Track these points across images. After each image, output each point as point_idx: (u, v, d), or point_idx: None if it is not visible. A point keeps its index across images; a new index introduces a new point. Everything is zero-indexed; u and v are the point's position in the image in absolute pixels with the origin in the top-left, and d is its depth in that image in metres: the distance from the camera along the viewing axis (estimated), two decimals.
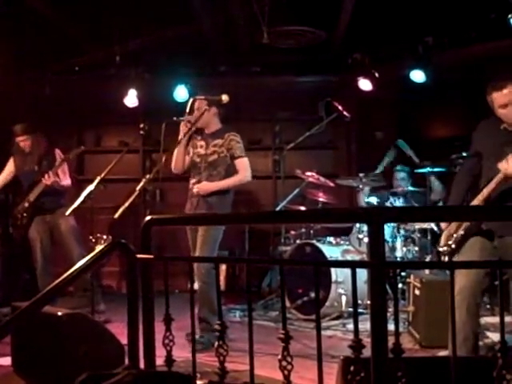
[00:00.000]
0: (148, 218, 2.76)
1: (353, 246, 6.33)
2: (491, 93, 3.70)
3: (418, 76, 7.39)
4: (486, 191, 3.62)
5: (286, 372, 2.12)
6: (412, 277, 5.27)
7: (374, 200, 6.55)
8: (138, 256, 2.71)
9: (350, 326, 5.52)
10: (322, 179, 6.74)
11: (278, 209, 6.70)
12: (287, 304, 5.98)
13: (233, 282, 7.62)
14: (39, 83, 8.19)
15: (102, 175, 5.67)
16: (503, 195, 3.58)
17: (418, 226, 6.12)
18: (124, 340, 2.93)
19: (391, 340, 1.92)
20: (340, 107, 6.98)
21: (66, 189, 6.19)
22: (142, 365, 2.73)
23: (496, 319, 5.06)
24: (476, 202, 3.65)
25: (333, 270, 5.94)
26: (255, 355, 2.31)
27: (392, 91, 8.40)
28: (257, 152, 8.83)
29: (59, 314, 3.46)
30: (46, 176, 5.96)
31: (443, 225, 4.01)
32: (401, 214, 2.35)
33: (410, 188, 6.90)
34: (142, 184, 4.61)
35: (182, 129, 5.02)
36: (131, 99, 8.04)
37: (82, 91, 8.54)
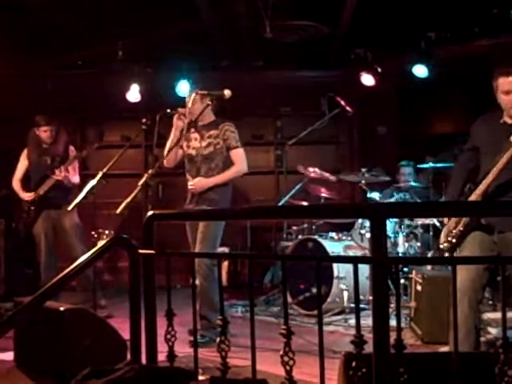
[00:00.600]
0: (150, 213, 2.77)
1: (355, 242, 6.33)
2: (498, 77, 3.70)
3: (420, 71, 7.38)
4: (482, 186, 3.61)
5: (287, 367, 2.12)
6: (414, 272, 5.27)
7: (376, 195, 6.54)
8: (140, 251, 2.71)
9: (352, 322, 5.51)
10: (325, 174, 6.73)
11: (280, 204, 6.70)
12: (289, 299, 5.98)
13: (235, 278, 7.63)
14: (41, 78, 8.20)
15: (105, 170, 5.67)
16: (500, 189, 3.58)
17: (420, 221, 6.12)
18: (126, 335, 2.93)
19: (393, 336, 1.93)
20: (342, 102, 6.97)
21: (74, 185, 6.19)
22: (144, 360, 2.73)
23: (498, 315, 5.06)
24: (474, 196, 3.64)
25: (335, 265, 5.94)
26: (257, 350, 2.32)
27: (394, 86, 8.40)
28: (259, 147, 8.84)
29: (61, 309, 3.47)
30: (58, 171, 5.97)
31: (446, 220, 4.01)
32: (403, 209, 2.35)
33: (413, 183, 6.89)
34: (144, 179, 4.60)
35: (175, 122, 4.98)
36: (134, 94, 8.04)
37: (84, 86, 8.54)
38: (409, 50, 7.47)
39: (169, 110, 4.92)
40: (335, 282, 5.90)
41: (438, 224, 5.91)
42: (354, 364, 1.99)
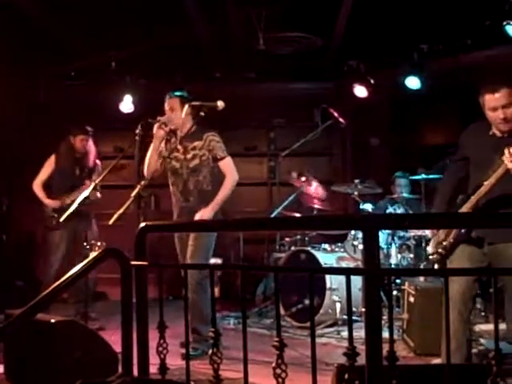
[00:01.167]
0: (142, 224, 2.75)
1: (348, 253, 6.32)
2: (484, 94, 3.70)
3: (413, 83, 7.42)
4: (473, 199, 3.62)
5: (280, 380, 2.11)
6: (407, 284, 5.27)
7: (369, 207, 6.55)
8: (133, 263, 2.70)
9: (345, 334, 5.50)
10: (314, 190, 6.71)
11: (273, 215, 6.69)
12: (282, 311, 5.97)
13: (227, 289, 7.60)
14: (34, 89, 8.19)
15: (97, 181, 5.66)
16: (490, 203, 3.58)
17: (412, 233, 6.12)
18: (118, 347, 2.91)
19: (385, 348, 1.92)
20: (335, 114, 6.99)
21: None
22: (135, 372, 2.71)
23: (490, 326, 5.07)
24: (464, 209, 3.65)
25: (327, 277, 5.93)
26: (249, 363, 2.30)
27: (387, 98, 8.43)
28: (252, 158, 8.85)
29: (52, 321, 3.44)
30: (88, 182, 5.98)
31: (430, 232, 4.02)
32: (395, 221, 2.35)
33: (405, 195, 6.90)
34: (136, 190, 4.59)
35: (156, 131, 4.86)
36: (127, 105, 8.04)
37: (77, 97, 8.53)
38: (401, 62, 7.51)
39: (149, 120, 4.86)
40: (328, 293, 5.89)
41: (430, 235, 5.91)
42: (346, 376, 1.98)
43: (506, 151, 3.42)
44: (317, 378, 2.09)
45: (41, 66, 7.88)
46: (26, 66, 7.68)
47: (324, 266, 6.01)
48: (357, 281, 5.19)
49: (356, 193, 6.47)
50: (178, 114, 4.92)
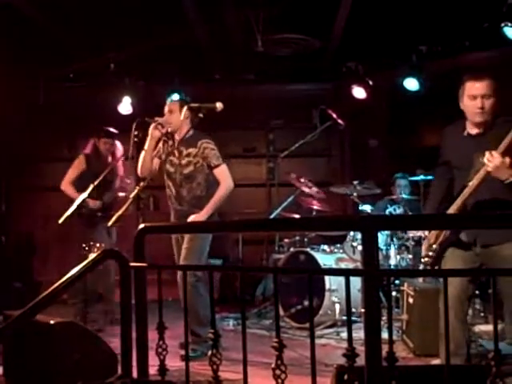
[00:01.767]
0: (141, 226, 2.75)
1: (347, 254, 6.33)
2: (466, 81, 3.70)
3: (411, 84, 7.42)
4: (459, 200, 3.60)
5: (279, 381, 2.11)
6: (406, 285, 5.27)
7: (368, 208, 6.55)
8: (132, 264, 2.70)
9: (344, 335, 5.51)
10: (314, 189, 6.72)
11: (272, 216, 6.69)
12: (281, 312, 5.97)
13: (226, 291, 7.60)
14: (33, 91, 8.19)
15: (96, 183, 5.67)
16: (479, 204, 3.57)
17: (411, 234, 6.12)
18: (117, 349, 2.91)
19: (385, 348, 1.92)
20: (334, 115, 7.00)
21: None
22: (135, 374, 2.71)
23: (489, 327, 5.07)
24: (451, 211, 3.63)
25: (327, 278, 5.93)
26: (249, 364, 2.30)
27: (386, 99, 8.44)
28: (251, 160, 8.86)
29: (51, 322, 3.44)
30: (128, 181, 6.07)
31: (423, 234, 4.03)
32: (394, 222, 2.35)
33: (405, 196, 6.90)
34: (135, 192, 4.59)
35: (152, 131, 4.86)
36: (125, 106, 8.04)
37: (76, 99, 8.53)
38: (400, 64, 7.52)
39: (147, 118, 4.85)
40: (327, 294, 5.89)
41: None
42: (346, 377, 1.98)
43: (487, 155, 3.40)
44: (316, 378, 2.09)
45: (40, 68, 7.88)
46: (26, 68, 7.68)
47: (323, 267, 6.01)
48: (356, 282, 5.19)
49: (355, 194, 6.47)
50: (176, 116, 4.92)
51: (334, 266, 6.11)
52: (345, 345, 2.02)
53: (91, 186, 5.60)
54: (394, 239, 6.23)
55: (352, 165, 8.78)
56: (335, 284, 5.89)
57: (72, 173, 6.37)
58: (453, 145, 3.83)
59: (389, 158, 8.52)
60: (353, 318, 5.54)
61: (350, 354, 1.96)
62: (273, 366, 2.12)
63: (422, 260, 3.85)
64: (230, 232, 6.41)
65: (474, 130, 3.70)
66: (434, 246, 3.74)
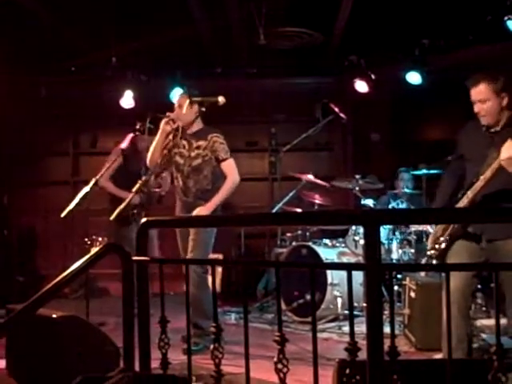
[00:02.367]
0: (144, 220, 2.75)
1: (349, 248, 6.33)
2: (469, 89, 3.75)
3: (414, 78, 7.41)
4: (470, 194, 3.61)
5: (281, 375, 2.11)
6: (408, 279, 5.27)
7: (370, 202, 6.54)
8: (134, 258, 2.70)
9: (346, 329, 5.51)
10: (318, 181, 6.74)
11: (274, 210, 6.69)
12: (283, 306, 5.97)
13: (228, 285, 7.61)
14: (35, 85, 8.19)
15: (98, 176, 5.66)
16: (487, 198, 3.58)
17: (413, 228, 6.12)
18: (119, 342, 2.92)
19: (387, 343, 1.92)
20: (336, 109, 6.98)
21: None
22: (137, 367, 2.72)
23: (491, 321, 5.07)
24: (461, 205, 3.65)
25: (329, 272, 5.93)
26: (251, 358, 2.31)
27: (388, 93, 8.42)
28: (253, 154, 8.86)
29: (54, 316, 3.45)
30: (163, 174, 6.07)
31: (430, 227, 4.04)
32: (396, 216, 2.35)
33: (407, 190, 6.90)
34: (137, 186, 4.60)
35: (163, 126, 4.91)
36: (127, 101, 8.03)
37: (78, 93, 8.54)
38: (403, 58, 7.50)
39: (159, 115, 4.90)
40: (329, 288, 5.89)
41: (431, 230, 5.91)
42: (347, 371, 1.98)
43: (504, 146, 3.42)
44: (318, 372, 2.09)
45: (42, 62, 7.87)
46: (27, 62, 7.68)
47: (325, 261, 6.02)
48: (358, 276, 5.20)
49: (357, 188, 6.46)
50: (187, 112, 4.93)
51: (335, 260, 6.11)
52: (347, 339, 2.02)
53: (93, 180, 5.60)
54: (396, 233, 6.23)
55: (354, 159, 8.78)
56: (337, 278, 5.89)
57: (109, 168, 6.34)
58: (471, 139, 3.85)
59: (391, 152, 8.52)
60: (355, 313, 5.53)
61: (352, 348, 1.96)
62: (275, 359, 2.12)
63: (428, 253, 3.86)
64: (232, 226, 6.41)
65: (491, 128, 3.73)
66: (442, 239, 3.74)
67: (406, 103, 8.16)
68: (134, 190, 4.70)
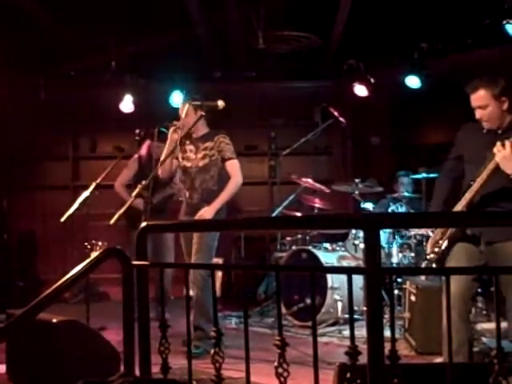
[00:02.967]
0: (144, 224, 2.75)
1: (349, 252, 6.32)
2: (468, 94, 3.75)
3: (413, 82, 7.42)
4: (468, 195, 3.61)
5: (282, 379, 2.11)
6: (408, 283, 5.27)
7: (369, 206, 6.54)
8: (134, 262, 2.70)
9: (346, 333, 5.50)
10: (317, 185, 6.74)
11: (273, 214, 6.69)
12: (283, 310, 5.97)
13: (228, 289, 7.60)
14: (34, 88, 8.19)
15: (98, 181, 5.66)
16: (485, 199, 3.58)
17: (413, 232, 6.12)
18: (119, 347, 2.91)
19: (387, 347, 1.92)
20: (335, 113, 6.99)
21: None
22: (137, 372, 2.71)
23: (492, 325, 5.06)
24: (459, 207, 3.64)
25: (329, 276, 5.93)
26: (251, 362, 2.30)
27: (387, 97, 8.43)
28: (253, 158, 8.86)
29: (54, 320, 3.45)
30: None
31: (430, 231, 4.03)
32: (396, 219, 2.35)
33: (407, 194, 6.90)
34: (137, 190, 4.60)
35: (171, 134, 4.98)
36: (127, 105, 8.04)
37: (77, 97, 8.55)
38: (401, 61, 7.51)
39: (166, 123, 4.97)
40: (329, 292, 5.89)
41: (431, 234, 5.90)
42: (348, 375, 1.98)
43: (496, 146, 3.42)
44: (319, 376, 2.09)
45: (41, 66, 7.88)
46: (27, 65, 7.69)
47: (325, 265, 6.01)
48: (358, 280, 5.17)
49: (357, 192, 6.46)
50: (191, 118, 4.99)
51: (335, 264, 6.11)
52: (347, 343, 2.02)
53: (93, 184, 5.60)
54: (397, 237, 6.23)
55: (354, 163, 8.78)
56: (337, 282, 5.89)
57: (125, 174, 6.37)
58: (470, 139, 3.84)
59: (391, 156, 8.53)
60: (355, 316, 5.54)
61: (353, 352, 1.96)
62: (275, 364, 2.12)
63: (428, 257, 3.85)
64: (231, 230, 6.41)
65: (494, 131, 3.74)
66: (441, 242, 3.74)
67: (405, 107, 8.17)
68: (133, 194, 4.71)
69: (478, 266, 3.64)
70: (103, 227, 6.34)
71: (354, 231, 6.25)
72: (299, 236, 6.83)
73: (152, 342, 2.70)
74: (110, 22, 6.55)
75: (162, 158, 5.04)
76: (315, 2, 6.13)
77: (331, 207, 6.86)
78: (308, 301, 5.84)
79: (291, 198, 6.80)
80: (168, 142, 5.01)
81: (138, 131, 5.14)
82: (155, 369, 2.68)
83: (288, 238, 7.03)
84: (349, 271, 2.09)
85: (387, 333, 1.92)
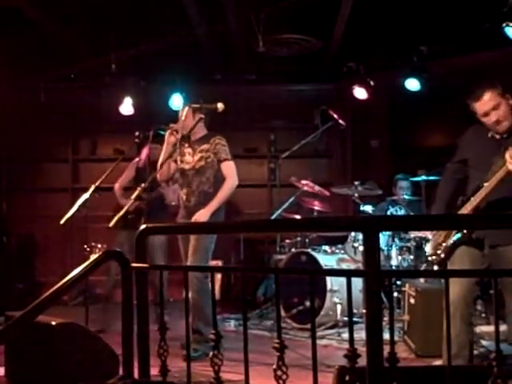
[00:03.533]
0: (143, 226, 2.75)
1: (348, 255, 6.32)
2: (472, 104, 3.73)
3: (412, 84, 7.42)
4: (474, 201, 3.60)
5: (281, 382, 2.11)
6: (407, 285, 5.26)
7: (369, 209, 6.54)
8: (133, 265, 2.70)
9: (346, 335, 5.50)
10: (317, 188, 6.74)
11: (273, 217, 6.69)
12: (282, 313, 5.96)
13: (228, 291, 7.60)
14: (34, 91, 8.20)
15: (97, 183, 5.66)
16: (491, 205, 3.57)
17: (413, 234, 6.12)
18: (118, 350, 2.91)
19: (386, 349, 1.92)
20: (335, 115, 6.99)
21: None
22: (136, 375, 2.71)
23: (491, 328, 5.06)
24: (465, 211, 3.64)
25: (328, 278, 5.93)
26: (250, 365, 2.30)
27: (387, 99, 8.43)
28: (252, 160, 8.85)
29: (53, 323, 3.44)
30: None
31: (430, 233, 4.01)
32: (395, 222, 2.35)
33: (406, 197, 6.89)
34: (136, 193, 4.60)
35: (167, 137, 5.01)
36: (127, 107, 8.04)
37: (77, 99, 8.55)
38: (401, 64, 7.52)
39: (163, 126, 4.97)
40: (328, 295, 5.88)
41: (430, 237, 5.90)
42: (347, 378, 1.98)
43: (508, 154, 3.41)
44: (318, 379, 2.09)
45: (41, 68, 7.88)
46: (27, 68, 7.68)
47: (324, 267, 6.01)
48: (357, 282, 5.19)
49: (356, 194, 6.46)
50: (190, 121, 5.02)
51: (335, 267, 6.11)
52: (346, 346, 2.02)
53: (92, 187, 5.60)
54: (396, 240, 6.23)
55: (353, 165, 8.78)
56: (336, 285, 5.89)
57: (126, 176, 6.40)
58: (475, 144, 3.84)
59: (390, 159, 8.52)
60: (354, 319, 5.53)
61: (352, 354, 1.96)
62: (274, 366, 2.12)
63: (429, 258, 3.85)
64: (231, 233, 6.40)
65: (498, 135, 3.73)
66: (444, 245, 3.73)
67: (404, 110, 8.17)
68: (132, 197, 4.71)
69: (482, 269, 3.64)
70: (102, 229, 6.34)
71: (353, 234, 6.25)
72: (298, 239, 6.83)
73: (151, 344, 2.70)
74: (110, 24, 6.55)
75: (160, 161, 5.05)
76: (315, 5, 6.13)
77: (331, 210, 6.86)
78: (307, 303, 5.83)
79: (291, 200, 6.80)
80: (165, 145, 5.02)
81: (137, 134, 5.13)
82: (154, 371, 2.68)
83: (287, 241, 7.03)
84: (348, 274, 2.10)
85: (386, 335, 1.92)
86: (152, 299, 3.51)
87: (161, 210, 6.19)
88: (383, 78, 7.89)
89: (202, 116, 4.98)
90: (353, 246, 6.26)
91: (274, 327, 5.67)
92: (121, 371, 2.79)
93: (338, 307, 5.87)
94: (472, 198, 3.62)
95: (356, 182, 6.45)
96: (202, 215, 4.88)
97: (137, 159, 6.39)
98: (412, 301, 5.08)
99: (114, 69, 7.62)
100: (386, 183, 7.28)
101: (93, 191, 5.54)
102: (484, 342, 4.78)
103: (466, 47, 6.95)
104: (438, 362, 4.13)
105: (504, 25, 6.09)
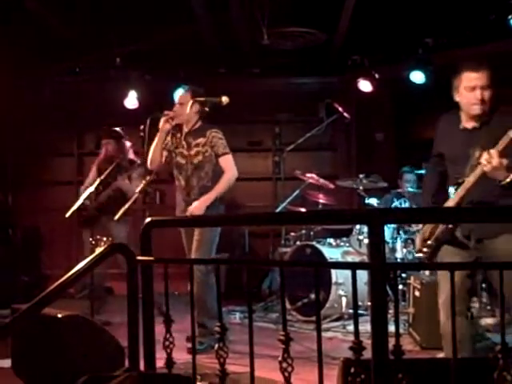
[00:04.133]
0: (148, 219, 2.76)
1: (353, 248, 6.33)
2: (462, 72, 3.56)
3: (417, 77, 7.40)
4: (456, 196, 3.50)
5: (286, 374, 2.11)
6: (412, 278, 5.27)
7: (374, 201, 6.54)
8: (138, 258, 2.70)
9: (351, 328, 5.51)
10: (322, 181, 6.74)
11: (278, 210, 6.70)
12: (287, 306, 5.97)
13: (233, 284, 7.61)
14: (39, 85, 8.21)
15: (102, 177, 5.68)
16: (472, 204, 3.48)
17: (418, 227, 6.11)
18: (124, 342, 2.92)
19: (391, 341, 1.92)
20: (340, 108, 6.99)
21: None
22: (142, 367, 2.72)
23: (496, 320, 5.06)
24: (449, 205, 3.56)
25: (333, 271, 5.94)
26: (255, 357, 2.31)
27: (392, 92, 8.42)
28: (257, 153, 8.86)
29: (59, 315, 3.45)
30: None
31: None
32: (401, 215, 2.35)
33: (411, 190, 6.88)
34: (141, 186, 4.61)
35: (162, 124, 4.87)
36: (131, 101, 8.05)
37: (81, 93, 8.56)
38: (406, 57, 7.49)
39: (157, 113, 4.88)
40: (333, 287, 5.89)
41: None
42: (352, 370, 1.98)
43: (484, 158, 3.29)
44: (323, 371, 2.09)
45: (46, 62, 7.89)
46: (31, 62, 7.69)
47: (329, 260, 6.02)
48: (362, 275, 5.19)
49: (361, 187, 6.46)
50: (186, 108, 4.91)
51: (340, 260, 6.11)
52: (351, 338, 2.02)
53: (98, 180, 5.62)
54: (401, 232, 6.23)
55: (358, 158, 8.77)
56: (342, 277, 5.89)
57: (90, 177, 6.30)
58: (447, 137, 3.70)
59: (395, 152, 8.51)
60: (359, 312, 5.54)
61: (357, 347, 1.96)
62: (279, 359, 2.12)
63: (416, 254, 3.80)
64: (236, 225, 6.41)
65: (470, 124, 3.57)
66: (429, 242, 3.66)
67: (409, 102, 8.15)
68: (137, 190, 4.72)
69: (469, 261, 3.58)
70: None
71: (358, 226, 6.25)
72: (303, 231, 6.83)
73: (156, 337, 2.71)
74: (114, 18, 6.55)
75: (151, 149, 4.95)
76: None
77: (335, 203, 6.86)
78: (312, 296, 5.84)
79: (295, 193, 6.80)
80: (159, 132, 4.91)
81: (142, 127, 5.13)
82: (160, 363, 2.69)
83: (292, 234, 7.04)
84: (353, 266, 2.09)
85: (391, 328, 1.91)
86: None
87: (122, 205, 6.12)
88: (388, 71, 7.87)
89: (206, 109, 4.92)
90: (358, 239, 6.26)
91: (279, 320, 5.68)
92: (126, 363, 2.80)
93: (343, 300, 5.88)
94: (453, 196, 3.53)
95: (361, 175, 6.45)
96: (197, 208, 4.80)
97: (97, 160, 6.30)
98: (417, 293, 5.08)
99: (118, 62, 7.64)
100: (391, 176, 7.27)
101: (97, 185, 5.57)
102: (489, 335, 4.78)
103: (471, 39, 6.91)
104: (442, 355, 4.13)
105: (510, 16, 6.07)
